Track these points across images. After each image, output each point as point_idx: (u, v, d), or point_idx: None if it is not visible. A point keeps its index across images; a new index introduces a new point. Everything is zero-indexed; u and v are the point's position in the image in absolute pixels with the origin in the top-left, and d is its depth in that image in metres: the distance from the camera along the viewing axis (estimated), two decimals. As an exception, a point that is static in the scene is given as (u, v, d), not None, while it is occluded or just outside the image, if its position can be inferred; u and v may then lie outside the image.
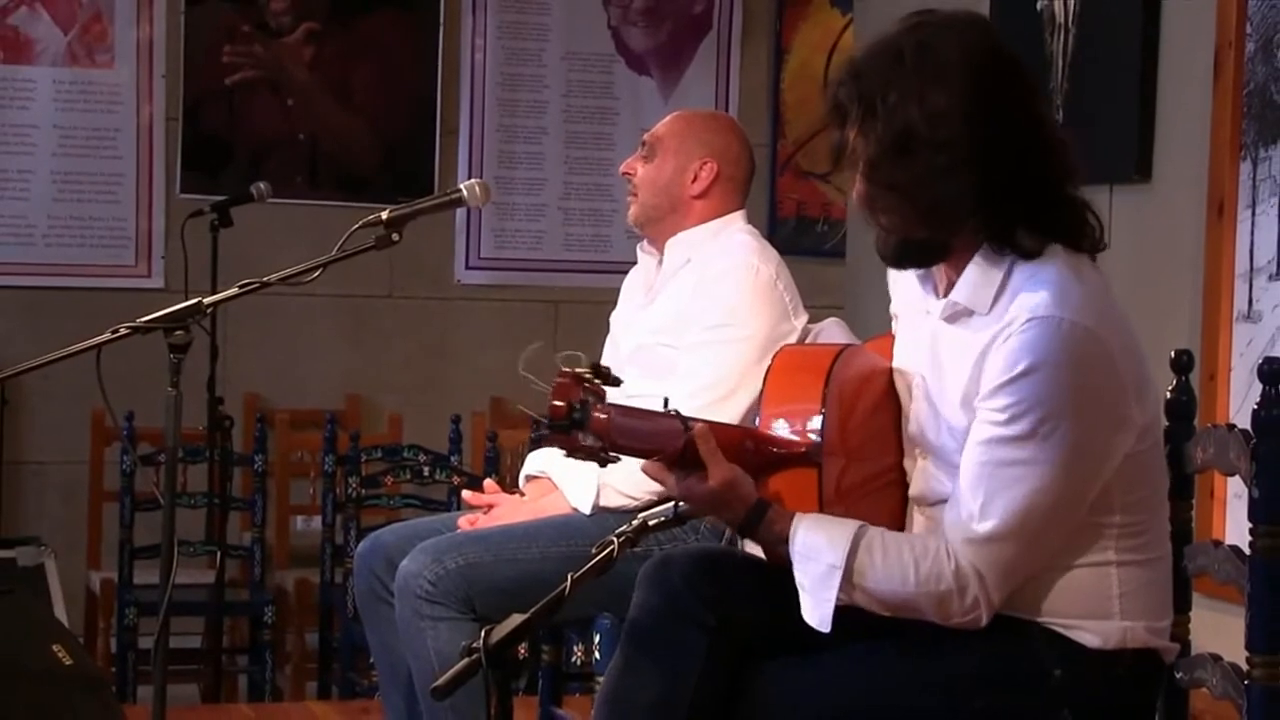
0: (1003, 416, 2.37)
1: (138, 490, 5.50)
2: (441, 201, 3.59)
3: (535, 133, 6.84)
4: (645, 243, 3.71)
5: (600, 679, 3.31)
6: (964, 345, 2.45)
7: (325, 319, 6.37)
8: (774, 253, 3.59)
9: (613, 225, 6.76)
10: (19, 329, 6.24)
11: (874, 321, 2.65)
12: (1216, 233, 4.24)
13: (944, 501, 2.48)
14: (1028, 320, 2.36)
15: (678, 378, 3.39)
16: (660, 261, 3.63)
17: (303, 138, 6.65)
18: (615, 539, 2.48)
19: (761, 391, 2.57)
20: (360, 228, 3.28)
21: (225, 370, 5.50)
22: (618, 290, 3.79)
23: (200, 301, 3.14)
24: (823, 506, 2.47)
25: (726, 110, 6.99)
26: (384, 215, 3.31)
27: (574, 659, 3.97)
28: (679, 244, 3.58)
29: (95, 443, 6.17)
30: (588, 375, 2.35)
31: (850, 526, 2.43)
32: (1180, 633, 2.66)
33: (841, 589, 2.40)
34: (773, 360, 2.62)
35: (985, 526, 2.37)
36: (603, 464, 2.40)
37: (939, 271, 2.53)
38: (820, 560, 2.41)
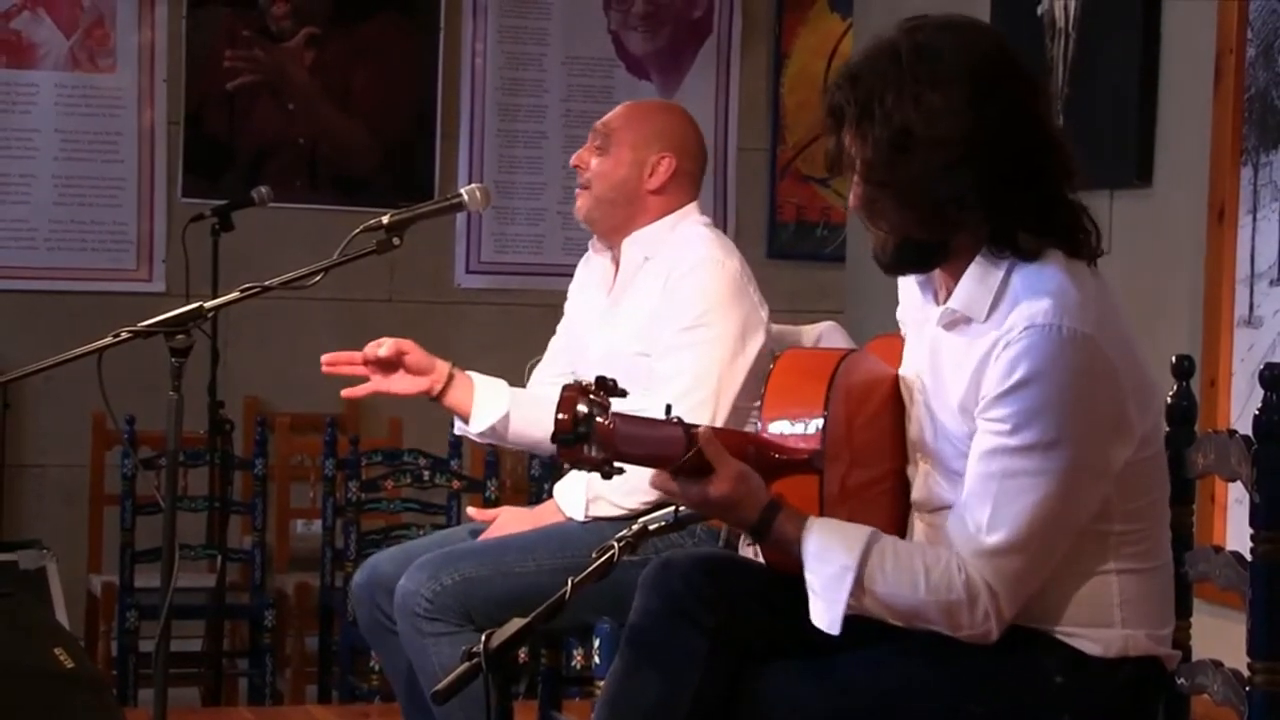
0: (1005, 427, 2.36)
1: (139, 494, 5.49)
2: (442, 206, 3.59)
3: (535, 137, 6.84)
4: (595, 240, 3.65)
5: (600, 684, 3.31)
6: (962, 352, 2.45)
7: (326, 323, 6.37)
8: (730, 243, 3.55)
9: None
10: (20, 332, 6.24)
11: (873, 326, 2.65)
12: (1217, 238, 4.24)
13: (945, 508, 2.48)
14: (1025, 328, 2.36)
15: (657, 382, 3.37)
16: (615, 259, 3.58)
17: (303, 142, 6.65)
18: (615, 543, 2.48)
19: (763, 395, 2.56)
20: (361, 232, 3.28)
21: (226, 374, 5.50)
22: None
23: (201, 306, 3.14)
24: (824, 509, 2.47)
25: (726, 115, 7.00)
26: (385, 220, 3.31)
27: (574, 664, 3.97)
28: (635, 243, 3.53)
29: (96, 446, 6.17)
30: (592, 387, 2.35)
31: (864, 531, 2.42)
32: (1181, 638, 2.65)
33: (852, 593, 2.39)
34: (775, 363, 2.61)
35: (994, 539, 2.36)
36: (607, 476, 2.37)
37: (938, 278, 2.52)
38: (833, 562, 2.39)
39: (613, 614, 3.29)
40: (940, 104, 2.38)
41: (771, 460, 2.48)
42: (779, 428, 2.51)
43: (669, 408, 2.46)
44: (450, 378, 3.54)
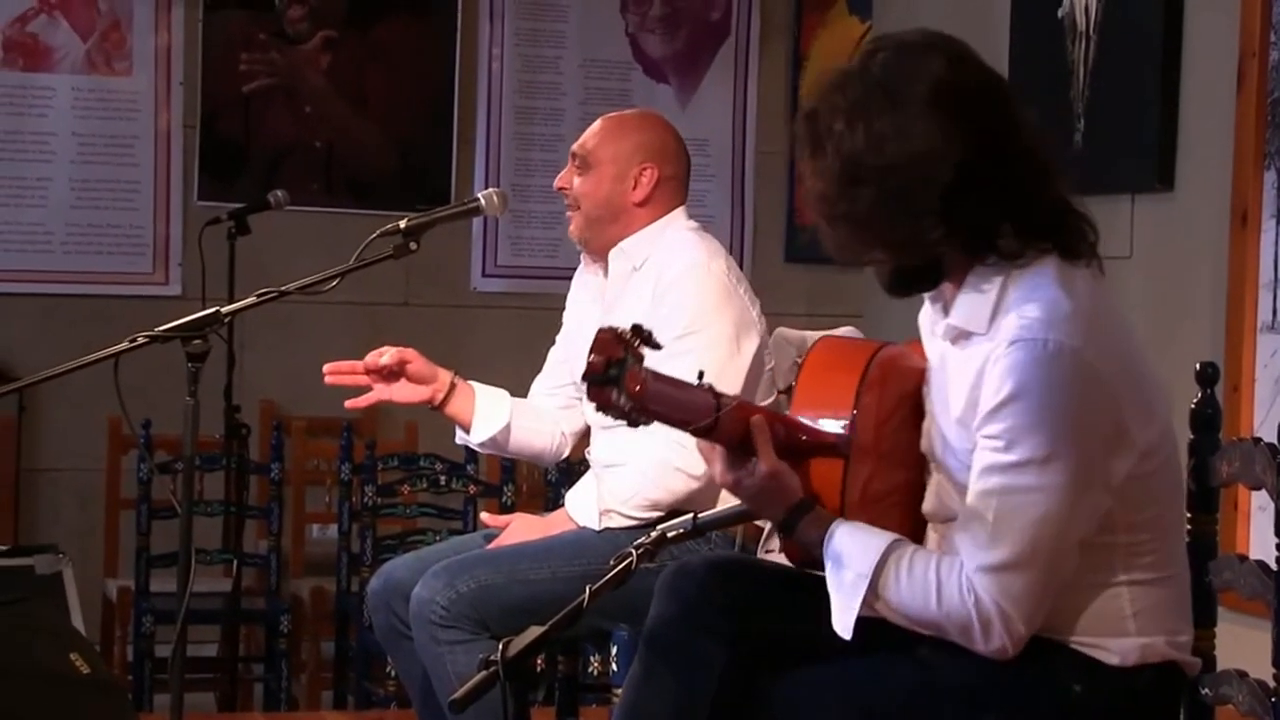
0: (999, 444, 2.35)
1: (155, 498, 5.49)
2: (459, 211, 3.59)
3: (552, 140, 6.82)
4: (585, 259, 3.65)
5: (617, 691, 3.30)
6: (964, 365, 2.44)
7: (342, 327, 6.36)
8: (717, 244, 3.55)
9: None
10: (37, 336, 6.23)
11: (891, 330, 2.63)
12: (1240, 242, 4.23)
13: (954, 519, 2.46)
14: (1012, 343, 2.34)
15: None
16: (606, 272, 3.58)
17: (319, 145, 6.64)
18: (634, 550, 2.47)
19: (796, 380, 2.55)
20: (378, 237, 3.28)
21: (242, 378, 5.49)
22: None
23: (218, 311, 3.14)
24: (845, 506, 2.46)
25: (744, 118, 6.98)
26: (401, 224, 3.31)
27: (590, 670, 3.95)
28: (622, 253, 3.53)
29: (112, 450, 6.17)
30: (628, 333, 2.33)
31: (885, 538, 2.41)
32: (1205, 648, 2.63)
33: (866, 600, 2.39)
34: (810, 350, 2.60)
35: (997, 555, 2.35)
36: (633, 425, 2.35)
37: (945, 289, 2.50)
38: (850, 568, 2.40)
39: (630, 621, 3.28)
40: (889, 129, 2.36)
41: (798, 442, 2.47)
42: (809, 410, 2.50)
43: (701, 374, 2.44)
44: (452, 387, 3.55)
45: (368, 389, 3.52)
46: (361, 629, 5.12)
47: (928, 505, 2.55)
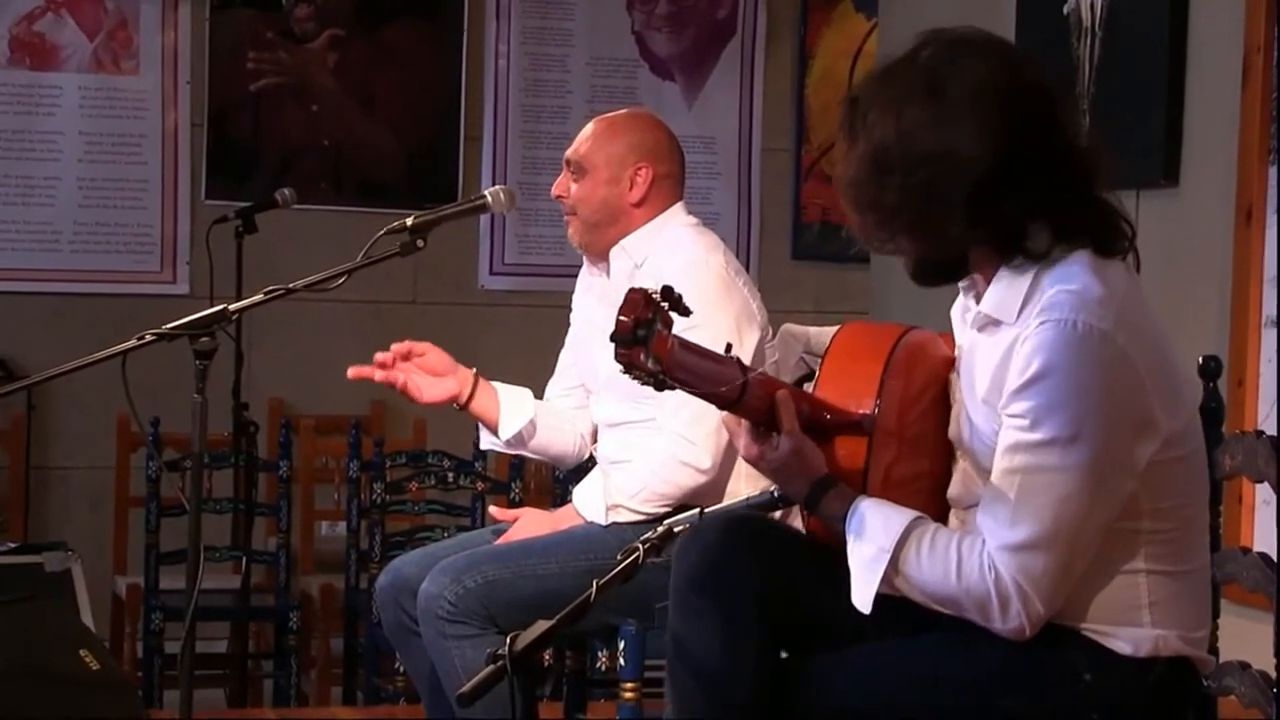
0: (1025, 422, 2.36)
1: (163, 496, 5.50)
2: (466, 208, 3.59)
3: (559, 138, 6.82)
4: (587, 264, 3.67)
5: (625, 685, 3.32)
6: (992, 349, 2.45)
7: (349, 325, 6.38)
8: (716, 238, 3.56)
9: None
10: (45, 335, 6.25)
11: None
12: (1245, 238, 4.22)
13: (978, 505, 2.47)
14: (1041, 323, 2.35)
15: (661, 395, 3.36)
16: (609, 273, 3.59)
17: (327, 144, 6.66)
18: (640, 545, 2.48)
19: (822, 359, 2.56)
20: (385, 234, 3.28)
21: (250, 376, 5.51)
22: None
23: (226, 308, 3.15)
24: (867, 486, 2.47)
25: (751, 116, 6.99)
26: (409, 222, 3.31)
27: (599, 665, 3.96)
28: (623, 251, 3.54)
29: (121, 448, 6.18)
30: (657, 295, 2.33)
31: (906, 515, 2.42)
32: (1209, 640, 2.64)
33: (886, 576, 2.40)
34: (838, 332, 2.60)
35: (1019, 534, 2.36)
36: (659, 388, 2.35)
37: (979, 281, 2.50)
38: (872, 542, 2.41)
39: (637, 616, 3.29)
40: (922, 122, 2.37)
41: (823, 420, 2.48)
42: (834, 389, 2.51)
43: (729, 346, 2.45)
44: (475, 385, 3.57)
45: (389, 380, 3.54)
46: (370, 625, 5.13)
47: (953, 491, 2.56)
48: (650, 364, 2.31)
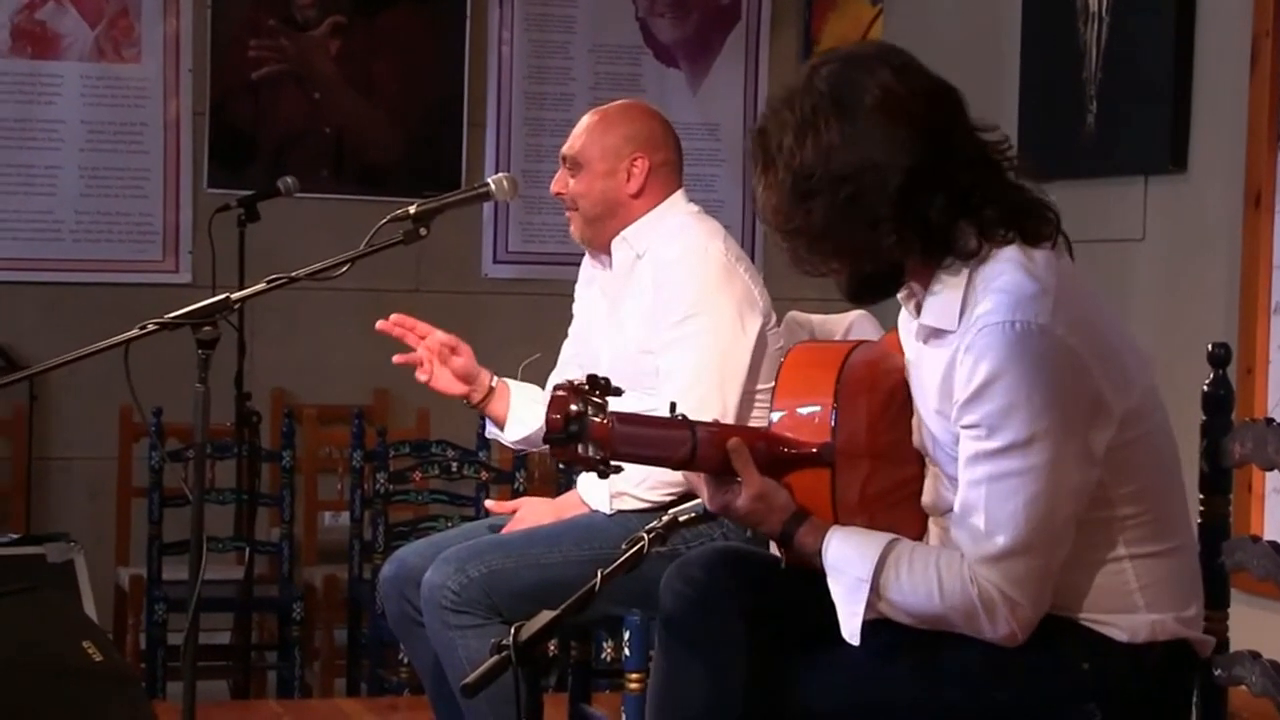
0: (980, 431, 2.36)
1: (166, 486, 5.49)
2: (469, 196, 3.58)
3: (562, 125, 6.76)
4: (589, 256, 3.66)
5: (630, 676, 3.31)
6: (936, 362, 2.45)
7: (352, 314, 6.35)
8: (716, 224, 3.55)
9: (641, 218, 6.73)
10: (46, 324, 6.24)
11: (896, 316, 2.62)
12: (1253, 224, 4.21)
13: (952, 510, 2.46)
14: (979, 330, 2.36)
15: (660, 380, 3.36)
16: (611, 265, 3.58)
17: (329, 131, 6.64)
18: (645, 535, 2.47)
19: (774, 389, 2.55)
20: (388, 222, 3.27)
21: (252, 365, 5.49)
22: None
23: (228, 297, 3.14)
24: (837, 510, 2.46)
25: (755, 103, 6.96)
26: (411, 210, 3.30)
27: (603, 656, 3.95)
28: (625, 241, 3.53)
29: (123, 438, 6.18)
30: (585, 386, 2.32)
31: (880, 540, 2.42)
32: (1218, 629, 2.63)
33: (869, 603, 2.40)
34: (786, 356, 2.59)
35: (995, 545, 2.36)
36: (603, 475, 2.36)
37: (917, 290, 2.50)
38: (849, 573, 2.41)
39: (642, 606, 3.27)
40: (837, 139, 2.39)
41: (781, 455, 2.47)
42: (789, 421, 2.49)
43: (673, 405, 2.44)
44: (490, 390, 3.58)
45: (413, 351, 3.56)
46: (374, 616, 5.12)
47: (926, 498, 2.56)
48: (591, 452, 2.31)
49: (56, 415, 6.35)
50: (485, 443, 5.26)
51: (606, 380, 2.34)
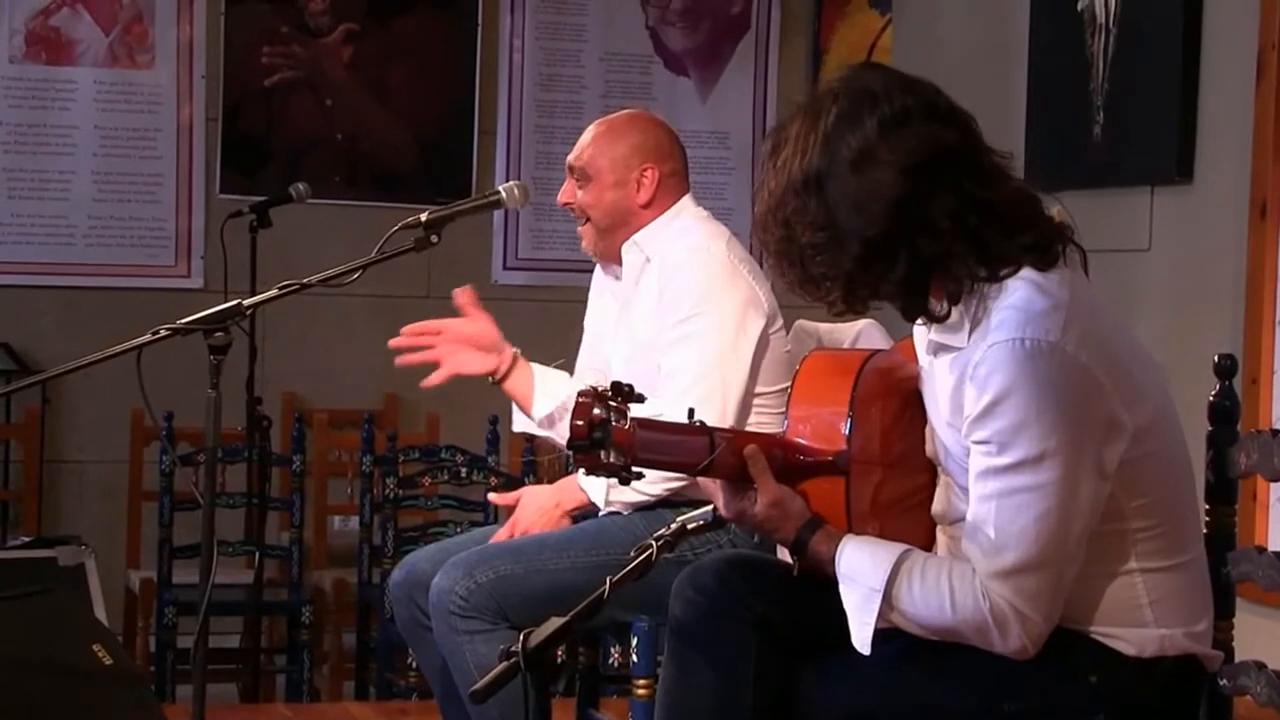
0: (991, 448, 2.36)
1: (177, 490, 5.51)
2: (480, 203, 3.60)
3: (573, 133, 6.71)
4: (599, 268, 3.68)
5: (638, 682, 3.31)
6: (947, 374, 2.45)
7: (363, 319, 6.38)
8: (721, 227, 3.56)
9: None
10: (59, 328, 6.26)
11: (904, 325, 2.64)
12: (1259, 234, 4.22)
13: (962, 519, 2.46)
14: (990, 347, 2.36)
15: (663, 380, 3.37)
16: (619, 274, 3.59)
17: (341, 138, 6.66)
18: (654, 542, 2.48)
19: (789, 397, 2.56)
20: (399, 229, 3.29)
21: (264, 370, 5.51)
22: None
23: (240, 303, 3.15)
24: (851, 517, 2.46)
25: (765, 111, 6.98)
26: (423, 217, 3.32)
27: (611, 661, 3.96)
28: (635, 246, 3.55)
29: (135, 442, 6.19)
30: (608, 393, 2.34)
31: (894, 550, 2.42)
32: (1223, 639, 2.63)
33: (881, 613, 2.40)
34: (801, 364, 2.60)
35: (1007, 560, 2.36)
36: (625, 481, 2.37)
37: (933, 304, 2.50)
38: (862, 583, 2.41)
39: (651, 612, 3.28)
40: (802, 185, 2.39)
41: (797, 462, 2.48)
42: (804, 428, 2.50)
43: (691, 411, 2.45)
44: (514, 363, 3.58)
45: (426, 354, 3.54)
46: (383, 620, 5.14)
47: (937, 507, 2.55)
48: (614, 459, 2.32)
49: (69, 419, 6.37)
50: (495, 448, 5.28)
51: (630, 387, 2.35)
